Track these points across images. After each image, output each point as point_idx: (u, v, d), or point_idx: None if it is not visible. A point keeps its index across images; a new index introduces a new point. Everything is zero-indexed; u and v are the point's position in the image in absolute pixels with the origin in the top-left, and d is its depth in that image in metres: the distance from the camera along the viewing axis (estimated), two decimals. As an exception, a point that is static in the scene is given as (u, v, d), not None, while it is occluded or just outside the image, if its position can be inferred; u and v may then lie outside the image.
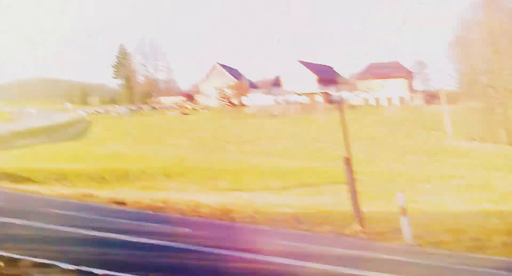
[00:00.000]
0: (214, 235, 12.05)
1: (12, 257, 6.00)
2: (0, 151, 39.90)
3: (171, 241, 9.01)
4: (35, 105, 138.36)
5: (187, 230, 11.54)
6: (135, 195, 19.37)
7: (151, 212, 15.13)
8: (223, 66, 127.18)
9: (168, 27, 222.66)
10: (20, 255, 6.11)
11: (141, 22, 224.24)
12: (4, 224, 9.62)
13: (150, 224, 12.32)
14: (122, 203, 17.05)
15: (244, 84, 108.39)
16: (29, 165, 29.53)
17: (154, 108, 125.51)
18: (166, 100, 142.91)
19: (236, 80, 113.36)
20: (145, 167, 29.08)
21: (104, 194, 19.17)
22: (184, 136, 60.44)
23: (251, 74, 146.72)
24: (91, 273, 5.54)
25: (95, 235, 9.13)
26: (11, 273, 5.45)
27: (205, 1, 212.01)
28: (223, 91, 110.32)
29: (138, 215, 14.22)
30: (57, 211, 13.51)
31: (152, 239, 9.05)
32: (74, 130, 74.93)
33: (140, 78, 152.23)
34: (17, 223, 9.72)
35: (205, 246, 8.82)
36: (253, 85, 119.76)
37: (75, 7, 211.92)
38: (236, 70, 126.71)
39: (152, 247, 8.42)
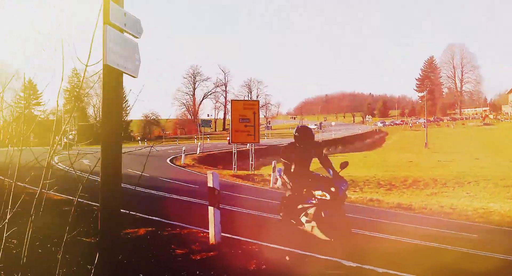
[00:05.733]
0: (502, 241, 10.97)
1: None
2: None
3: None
4: (337, 118, 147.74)
5: (474, 236, 10.87)
6: (423, 201, 18.36)
7: (437, 218, 14.43)
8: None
9: (477, 35, 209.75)
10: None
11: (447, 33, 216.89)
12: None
13: (434, 229, 11.55)
14: (408, 208, 16.72)
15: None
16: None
17: (454, 119, 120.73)
18: (468, 111, 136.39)
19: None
20: (437, 175, 27.40)
21: (390, 199, 18.67)
22: (481, 145, 55.73)
23: None
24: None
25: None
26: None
27: None
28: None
29: (423, 220, 13.62)
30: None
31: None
32: (370, 141, 76.93)
33: (444, 90, 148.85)
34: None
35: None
36: None
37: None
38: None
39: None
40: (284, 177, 8.07)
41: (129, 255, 5.67)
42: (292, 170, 8.01)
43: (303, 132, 8.11)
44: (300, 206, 7.71)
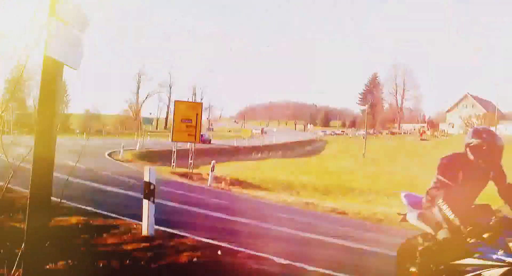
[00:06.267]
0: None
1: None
2: (238, 162, 43.64)
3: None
4: (279, 125, 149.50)
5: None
6: (357, 207, 18.96)
7: (369, 223, 14.85)
8: (474, 97, 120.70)
9: (421, 58, 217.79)
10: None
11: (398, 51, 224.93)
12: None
13: (367, 234, 12.04)
14: (343, 213, 17.12)
15: (494, 115, 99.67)
16: (261, 174, 31.35)
17: (392, 133, 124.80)
18: (407, 127, 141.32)
19: (486, 111, 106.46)
20: (372, 183, 28.36)
21: (326, 204, 19.13)
22: (416, 158, 58.15)
23: (504, 105, 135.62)
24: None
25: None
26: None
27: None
28: (470, 120, 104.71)
29: (358, 225, 14.11)
30: (280, 214, 14.33)
31: (368, 245, 9.18)
32: (310, 148, 78.34)
33: (385, 106, 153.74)
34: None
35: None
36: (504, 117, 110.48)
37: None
38: (489, 101, 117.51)
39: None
40: (444, 207, 4.45)
41: (58, 242, 5.58)
42: (453, 198, 4.49)
43: (490, 140, 4.53)
44: (468, 260, 4.22)
